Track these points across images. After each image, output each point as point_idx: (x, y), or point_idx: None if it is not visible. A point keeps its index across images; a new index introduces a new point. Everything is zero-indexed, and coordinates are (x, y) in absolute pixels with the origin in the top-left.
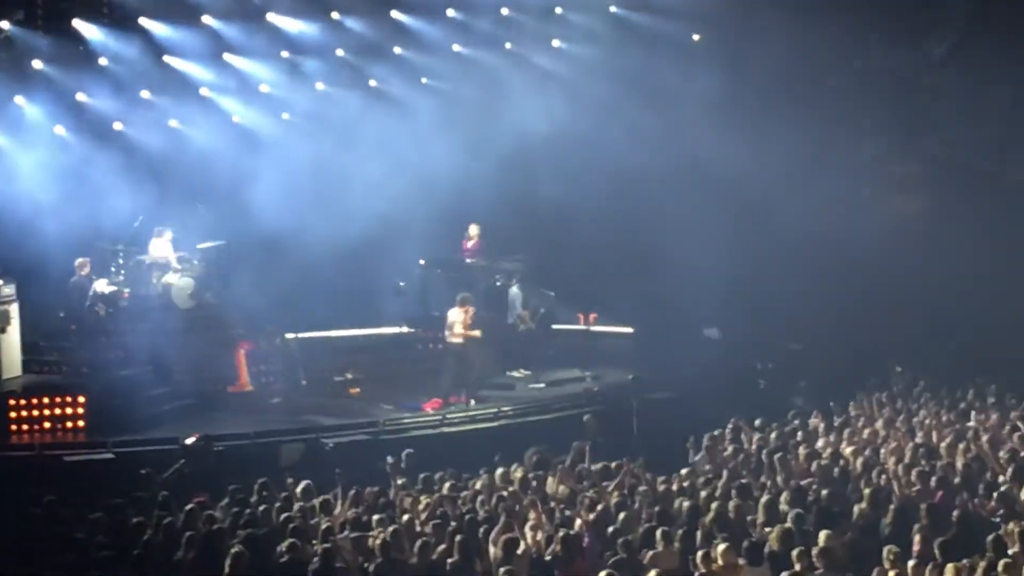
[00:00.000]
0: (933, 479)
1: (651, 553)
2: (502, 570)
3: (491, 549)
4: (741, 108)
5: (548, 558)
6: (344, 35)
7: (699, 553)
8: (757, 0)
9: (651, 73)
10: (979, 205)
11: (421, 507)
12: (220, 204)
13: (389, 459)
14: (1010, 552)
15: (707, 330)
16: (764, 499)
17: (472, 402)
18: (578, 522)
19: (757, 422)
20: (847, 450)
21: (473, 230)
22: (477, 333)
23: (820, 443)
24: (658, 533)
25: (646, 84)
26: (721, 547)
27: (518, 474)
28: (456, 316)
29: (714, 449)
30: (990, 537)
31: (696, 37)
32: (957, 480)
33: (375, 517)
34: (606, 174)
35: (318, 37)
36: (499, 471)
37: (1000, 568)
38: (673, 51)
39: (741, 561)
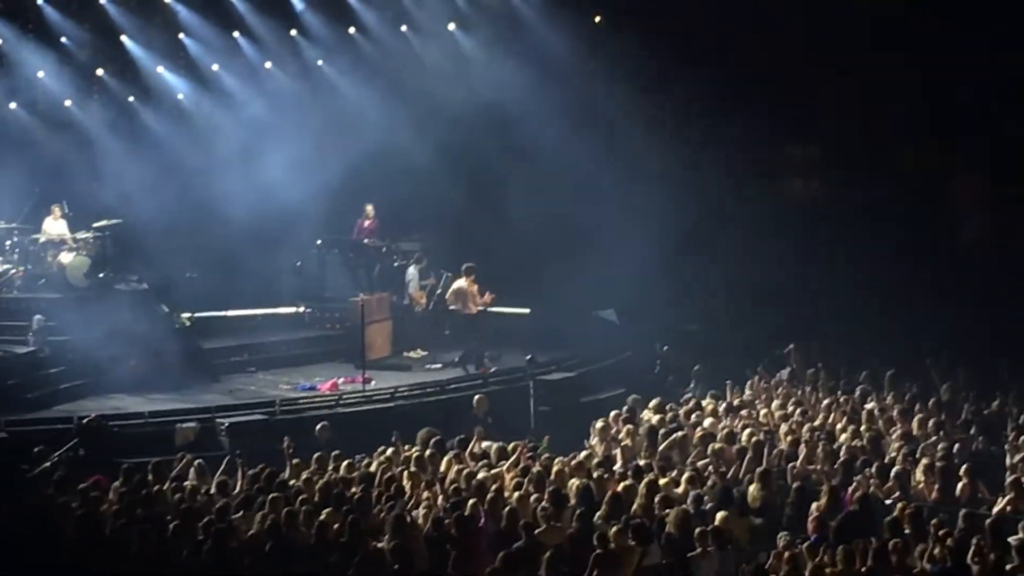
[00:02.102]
0: (829, 461)
1: (542, 530)
2: (394, 546)
3: (384, 528)
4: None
5: (442, 537)
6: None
7: (593, 534)
8: None
9: (562, 51)
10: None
11: (316, 487)
12: (118, 182)
13: (286, 440)
14: (905, 532)
15: (602, 312)
16: (660, 480)
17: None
18: (472, 502)
19: (653, 403)
20: (743, 431)
21: (369, 209)
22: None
23: (715, 424)
24: (550, 512)
25: (556, 61)
26: (614, 529)
27: (413, 454)
28: (463, 285)
29: (609, 430)
30: (887, 519)
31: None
32: (853, 462)
33: (269, 497)
34: (511, 153)
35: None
36: (392, 451)
37: (890, 548)
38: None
39: (633, 542)
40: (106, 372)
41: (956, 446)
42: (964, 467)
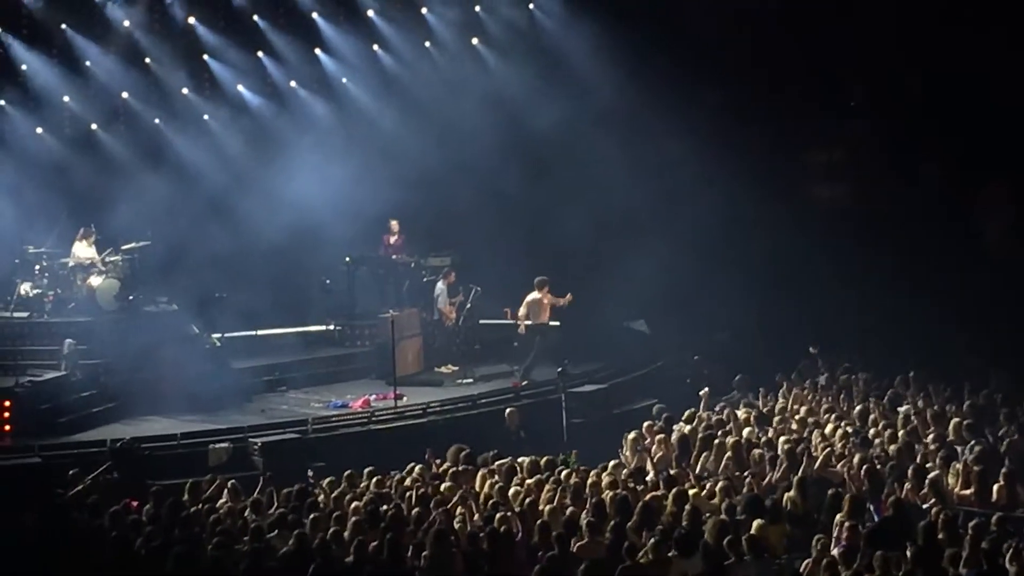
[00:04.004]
0: (864, 467)
1: (579, 544)
2: (432, 564)
3: (423, 545)
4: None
5: (478, 552)
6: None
7: (627, 545)
8: None
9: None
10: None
11: (350, 505)
12: (147, 205)
13: (310, 472)
14: (939, 537)
15: (634, 323)
16: (694, 491)
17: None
18: (502, 515)
19: (686, 413)
20: (777, 439)
21: (394, 225)
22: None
23: (750, 432)
24: (586, 525)
25: (580, 74)
26: (651, 540)
27: (446, 469)
28: (536, 297)
29: (642, 440)
30: (921, 524)
31: None
32: (887, 467)
33: (310, 517)
34: (536, 167)
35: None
36: (422, 468)
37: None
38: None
39: (672, 553)
40: (138, 395)
41: (991, 449)
42: (1003, 470)
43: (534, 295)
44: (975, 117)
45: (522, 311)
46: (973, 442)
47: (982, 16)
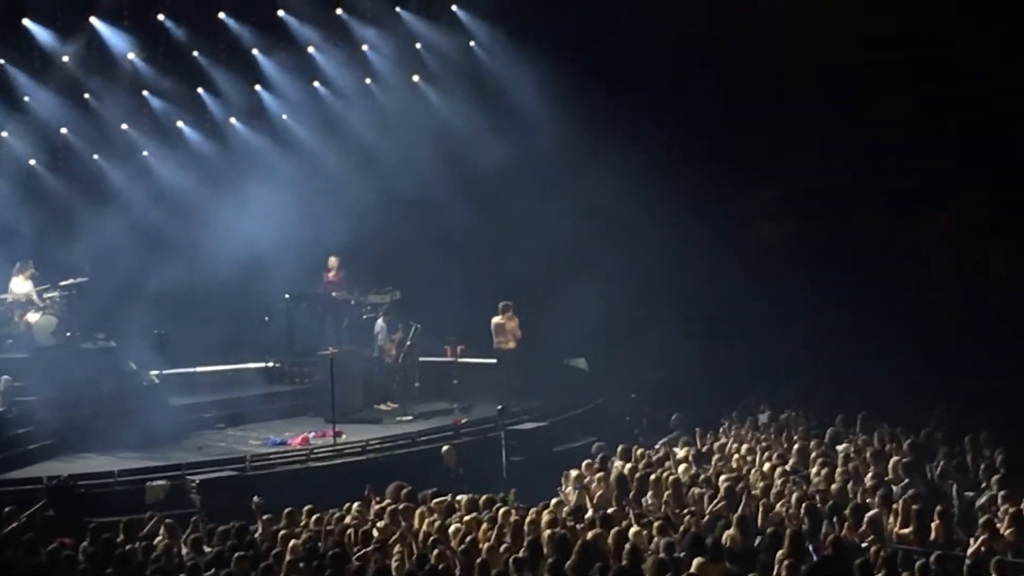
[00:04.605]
0: (803, 505)
1: None
2: None
3: None
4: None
5: None
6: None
7: None
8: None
9: (529, 103)
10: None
11: (288, 543)
12: (86, 241)
13: (256, 499)
14: None
15: (574, 360)
16: (634, 529)
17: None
18: (446, 553)
19: (619, 449)
20: (716, 477)
21: (332, 261)
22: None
23: (687, 470)
24: (513, 562)
25: (523, 114)
26: None
27: (386, 507)
28: (500, 321)
29: (582, 479)
30: (858, 562)
31: None
32: (826, 506)
33: (237, 555)
34: (476, 206)
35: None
36: (360, 505)
37: None
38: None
39: None
40: (75, 431)
41: (930, 488)
42: (938, 509)
43: (497, 319)
44: (915, 154)
45: (493, 331)
46: (910, 480)
47: (915, 51)
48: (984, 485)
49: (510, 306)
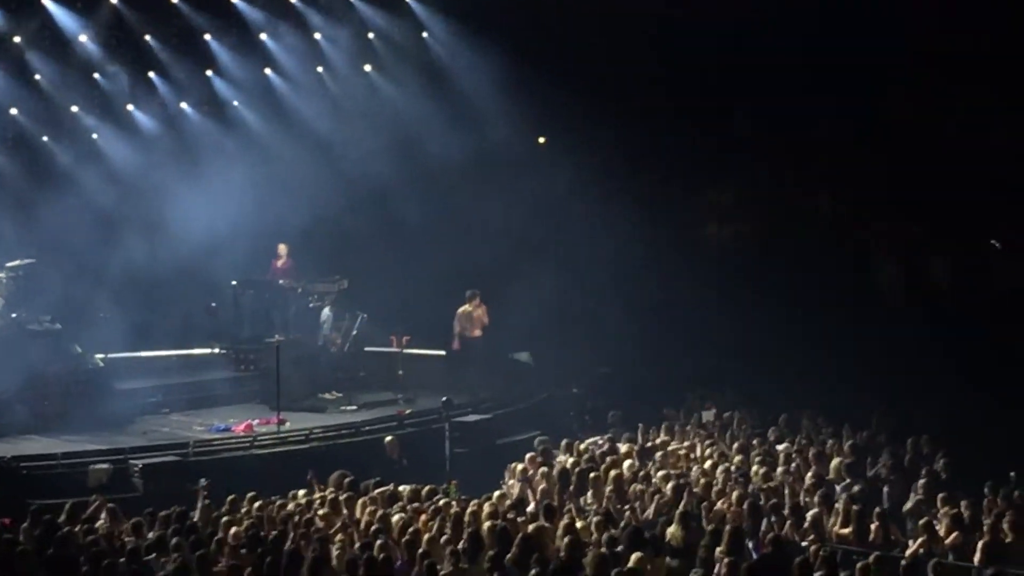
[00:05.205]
0: (745, 503)
1: (453, 573)
2: None
3: (302, 571)
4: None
5: None
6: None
7: None
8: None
9: (480, 95)
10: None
11: (230, 529)
12: (34, 224)
13: (202, 481)
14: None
15: (518, 354)
16: (577, 523)
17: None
18: (387, 544)
19: (562, 444)
20: (658, 473)
21: (282, 249)
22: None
23: (630, 466)
24: (450, 554)
25: (473, 105)
26: (532, 572)
27: (328, 495)
28: (467, 309)
29: (525, 472)
30: (797, 560)
31: None
32: (766, 504)
33: (175, 541)
34: (425, 196)
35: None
36: (304, 493)
37: None
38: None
39: None
40: (18, 413)
41: (870, 489)
42: (876, 510)
43: (465, 308)
44: (870, 156)
45: (456, 326)
46: (851, 481)
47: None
48: (914, 488)
49: (477, 294)
